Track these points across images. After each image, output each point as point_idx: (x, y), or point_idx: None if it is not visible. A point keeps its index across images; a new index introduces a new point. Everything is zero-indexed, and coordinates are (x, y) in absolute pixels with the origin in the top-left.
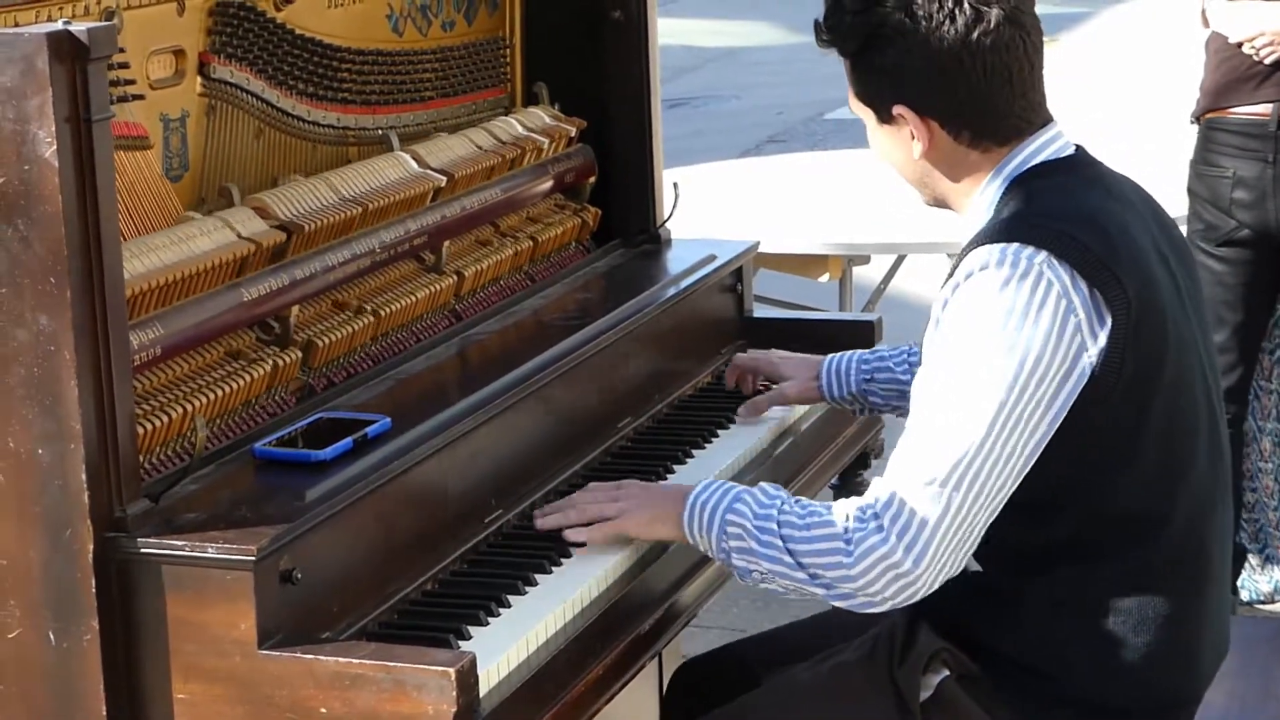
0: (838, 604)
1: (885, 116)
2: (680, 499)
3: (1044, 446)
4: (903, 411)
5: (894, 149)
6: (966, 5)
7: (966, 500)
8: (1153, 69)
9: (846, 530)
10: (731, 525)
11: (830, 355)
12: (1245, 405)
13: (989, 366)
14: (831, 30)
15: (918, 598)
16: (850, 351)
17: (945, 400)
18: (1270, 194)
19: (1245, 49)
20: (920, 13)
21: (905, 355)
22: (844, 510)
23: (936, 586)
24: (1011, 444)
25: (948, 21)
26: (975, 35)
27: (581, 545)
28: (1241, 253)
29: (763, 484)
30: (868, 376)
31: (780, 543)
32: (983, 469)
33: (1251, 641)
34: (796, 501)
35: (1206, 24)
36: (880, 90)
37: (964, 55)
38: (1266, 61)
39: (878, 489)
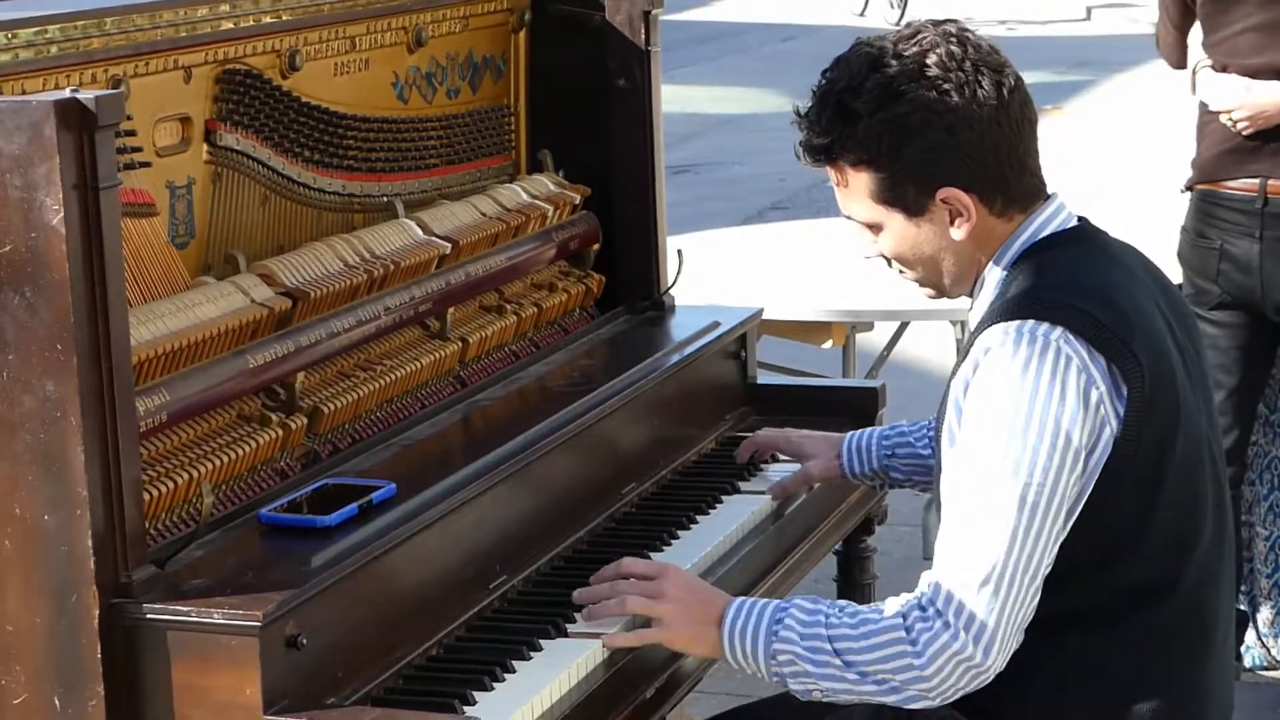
0: (912, 706)
1: (919, 208)
2: (717, 621)
3: (1074, 518)
4: (924, 487)
5: (928, 241)
6: (986, 70)
7: (1022, 586)
8: (1157, 136)
9: (910, 631)
10: (781, 653)
11: (850, 433)
12: (1243, 467)
13: (1022, 451)
14: (839, 143)
15: (989, 681)
16: (870, 429)
17: (984, 489)
18: (1257, 269)
19: (1223, 119)
20: (948, 87)
21: (926, 430)
22: (897, 610)
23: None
24: (1050, 522)
25: (978, 88)
26: (1006, 95)
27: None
28: (1233, 316)
29: (798, 600)
30: (889, 452)
31: (837, 659)
32: (1034, 553)
33: (1255, 708)
34: (841, 610)
35: (1195, 91)
36: (918, 180)
37: (1001, 117)
38: (1243, 134)
39: (932, 585)
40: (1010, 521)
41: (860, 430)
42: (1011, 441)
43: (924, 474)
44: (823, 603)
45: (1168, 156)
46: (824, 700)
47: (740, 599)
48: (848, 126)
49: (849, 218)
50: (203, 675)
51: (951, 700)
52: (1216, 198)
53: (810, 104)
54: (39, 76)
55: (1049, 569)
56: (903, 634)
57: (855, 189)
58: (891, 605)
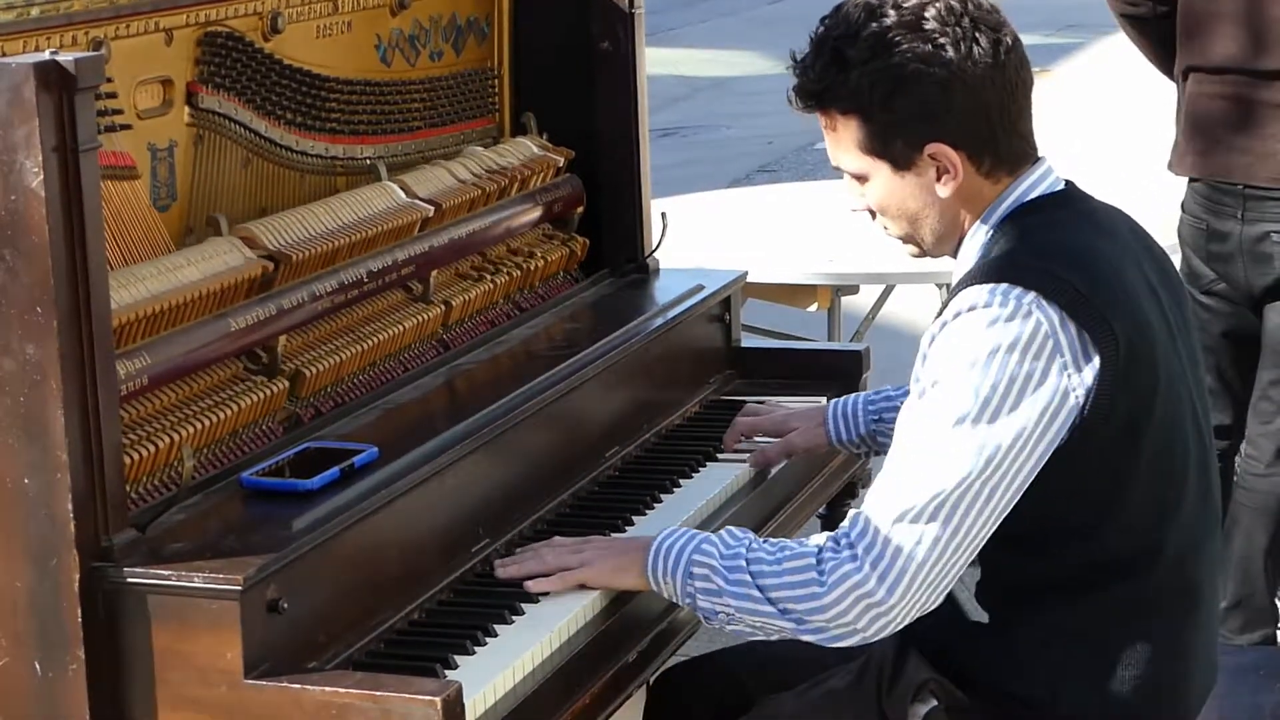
0: (808, 639)
1: (906, 162)
2: (644, 546)
3: (1029, 486)
4: None
5: (913, 196)
6: (984, 27)
7: (944, 535)
8: (1146, 101)
9: (820, 561)
10: (698, 566)
11: (833, 400)
12: (1241, 438)
13: (972, 406)
14: (831, 90)
15: (888, 632)
16: (853, 395)
17: (928, 435)
18: (1238, 252)
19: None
20: (944, 41)
21: None
22: (817, 541)
23: (909, 621)
24: (993, 483)
25: (974, 45)
26: (1002, 55)
27: (544, 594)
28: (1223, 304)
29: (729, 528)
30: (876, 417)
31: (749, 579)
32: (961, 504)
33: (1238, 670)
34: (767, 540)
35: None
36: (907, 133)
37: (996, 76)
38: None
39: (852, 519)
40: (940, 470)
41: (844, 396)
42: (962, 396)
43: None
44: (750, 534)
45: (1156, 122)
46: (726, 625)
47: (675, 527)
48: (841, 74)
49: (837, 168)
50: (183, 639)
51: (850, 641)
52: (1204, 177)
53: (806, 50)
54: (19, 39)
55: (985, 531)
56: (813, 562)
57: (844, 137)
58: (815, 538)
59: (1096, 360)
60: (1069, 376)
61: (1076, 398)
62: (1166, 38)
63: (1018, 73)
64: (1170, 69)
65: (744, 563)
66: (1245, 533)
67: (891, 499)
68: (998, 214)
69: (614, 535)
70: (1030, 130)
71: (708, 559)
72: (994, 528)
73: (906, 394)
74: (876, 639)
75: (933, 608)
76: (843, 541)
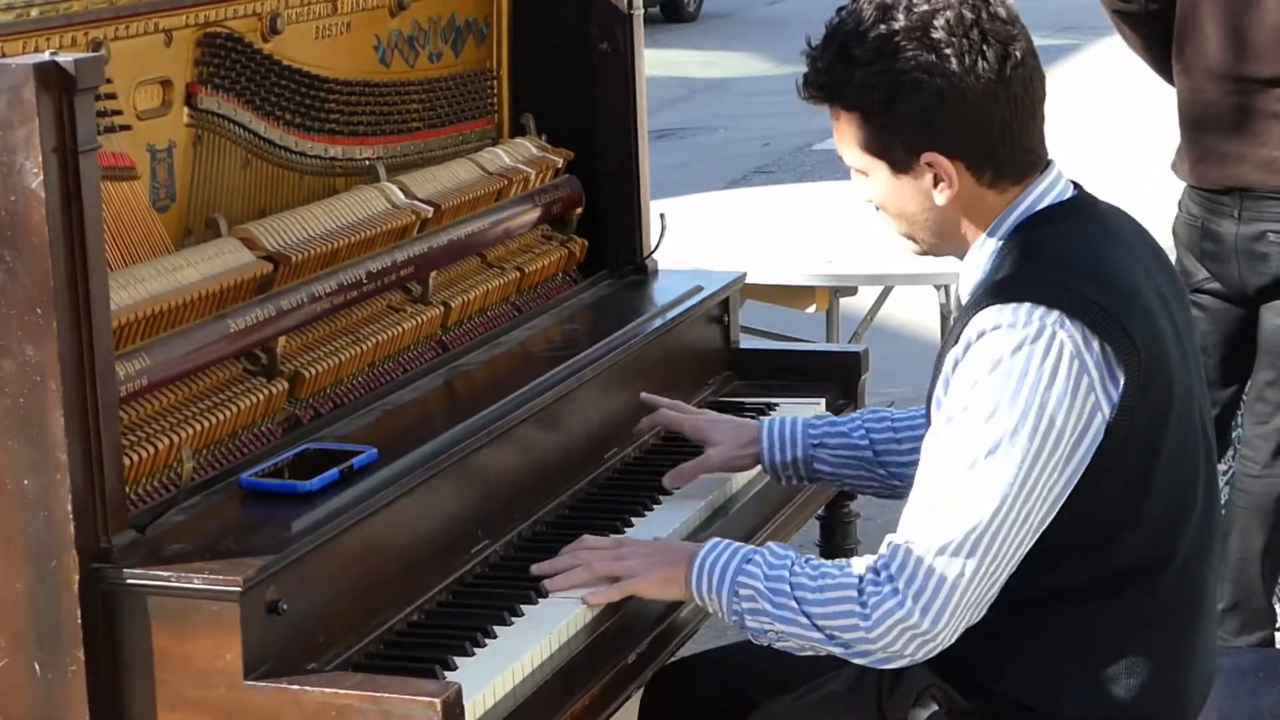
0: (857, 661)
1: (904, 166)
2: (687, 559)
3: (1060, 504)
4: (850, 484)
5: (910, 199)
6: (993, 39)
7: (983, 563)
8: (1144, 104)
9: (861, 593)
10: (743, 587)
11: (768, 419)
12: (1227, 445)
13: (1004, 432)
14: (835, 86)
15: (936, 653)
16: (792, 416)
17: (960, 464)
18: (1232, 251)
19: None
20: (949, 52)
21: (862, 423)
22: (856, 571)
23: (955, 639)
24: (1028, 508)
25: (979, 59)
26: (1008, 70)
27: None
28: (1214, 302)
29: (770, 544)
30: (816, 441)
31: (795, 604)
32: (999, 533)
33: (1236, 673)
34: (807, 561)
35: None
36: (905, 139)
37: (999, 91)
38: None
39: (890, 550)
40: (977, 499)
41: (782, 417)
42: (993, 422)
43: (854, 468)
44: (791, 550)
45: (1153, 125)
46: (776, 644)
47: (718, 539)
48: (845, 72)
49: (841, 158)
50: (183, 640)
51: (899, 664)
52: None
53: (819, 41)
54: (19, 39)
55: (1021, 551)
56: (854, 594)
57: (847, 133)
58: (855, 565)
59: (1122, 377)
60: (1097, 395)
61: (1104, 415)
62: (1159, 35)
63: (1025, 88)
64: (1163, 67)
65: (788, 586)
66: (1241, 534)
67: (928, 532)
68: (1006, 225)
69: (650, 540)
70: (1038, 143)
71: (752, 580)
72: (1029, 546)
73: (857, 423)
74: (924, 659)
75: (976, 621)
76: (883, 574)
